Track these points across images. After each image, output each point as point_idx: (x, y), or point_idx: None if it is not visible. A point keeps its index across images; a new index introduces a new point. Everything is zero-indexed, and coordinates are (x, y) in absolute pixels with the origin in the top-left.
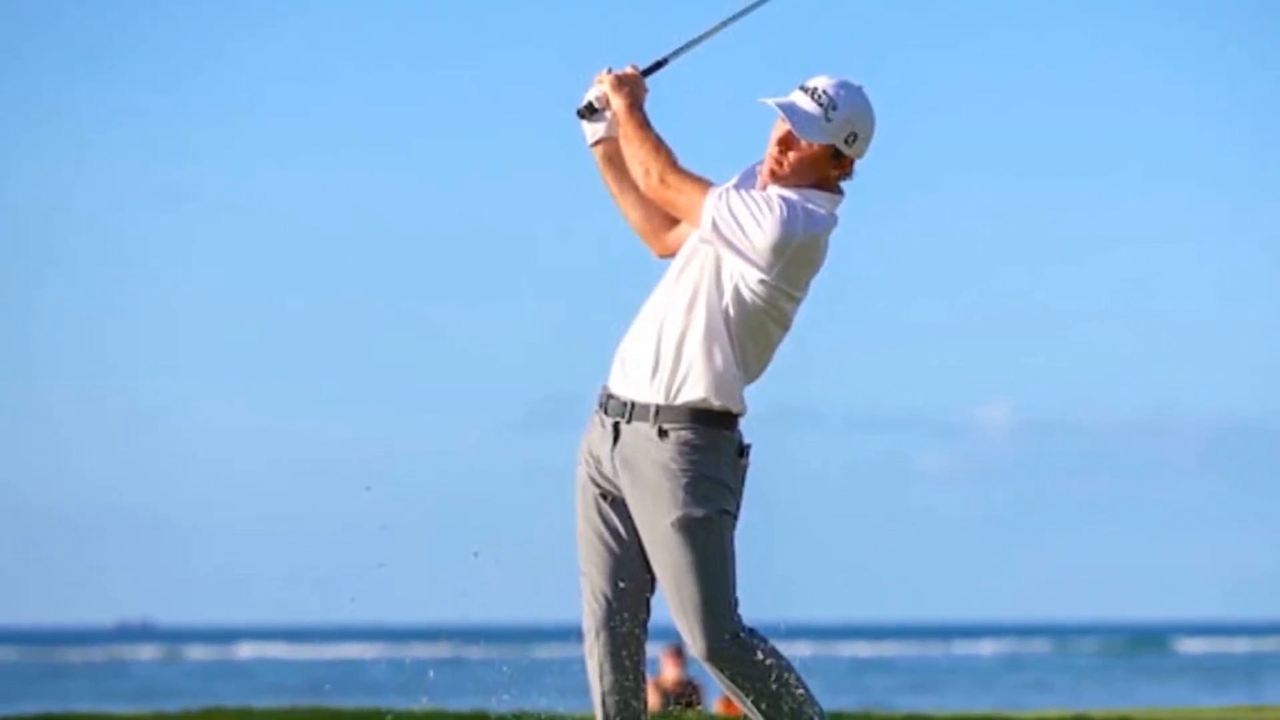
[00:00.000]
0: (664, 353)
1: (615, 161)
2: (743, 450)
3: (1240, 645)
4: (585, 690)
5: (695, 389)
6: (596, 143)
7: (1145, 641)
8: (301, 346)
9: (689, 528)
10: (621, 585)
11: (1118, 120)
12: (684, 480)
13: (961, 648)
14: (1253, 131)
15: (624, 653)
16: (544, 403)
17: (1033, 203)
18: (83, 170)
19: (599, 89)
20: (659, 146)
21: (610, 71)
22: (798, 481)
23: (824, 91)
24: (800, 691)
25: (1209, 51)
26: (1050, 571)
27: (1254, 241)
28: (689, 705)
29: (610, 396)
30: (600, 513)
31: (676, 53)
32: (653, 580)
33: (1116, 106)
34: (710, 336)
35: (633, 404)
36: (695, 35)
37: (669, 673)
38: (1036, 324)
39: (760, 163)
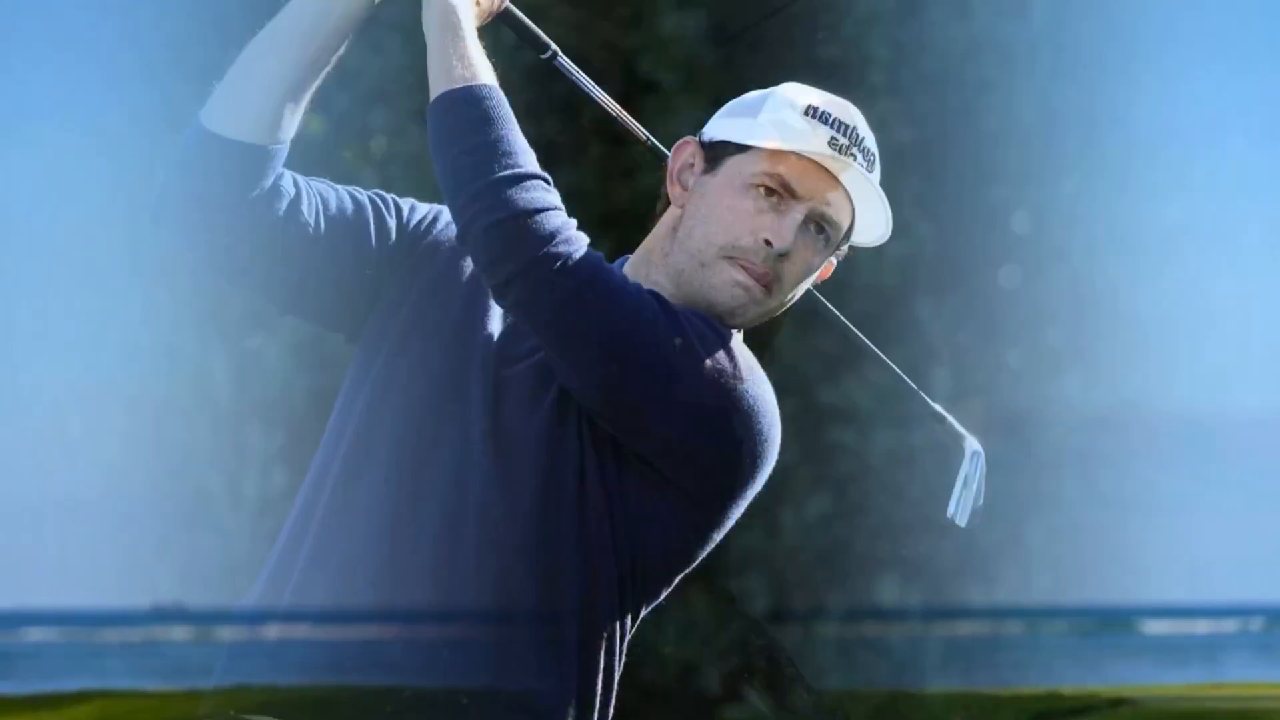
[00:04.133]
0: None
1: None
2: None
3: (1200, 626)
4: None
5: None
6: None
7: (1111, 623)
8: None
9: None
10: None
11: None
12: None
13: (940, 630)
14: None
15: None
16: None
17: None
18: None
19: None
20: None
21: None
22: None
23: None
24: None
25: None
26: (1023, 558)
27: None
28: None
29: None
30: None
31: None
32: None
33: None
34: None
35: None
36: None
37: None
38: (1011, 326)
39: None
